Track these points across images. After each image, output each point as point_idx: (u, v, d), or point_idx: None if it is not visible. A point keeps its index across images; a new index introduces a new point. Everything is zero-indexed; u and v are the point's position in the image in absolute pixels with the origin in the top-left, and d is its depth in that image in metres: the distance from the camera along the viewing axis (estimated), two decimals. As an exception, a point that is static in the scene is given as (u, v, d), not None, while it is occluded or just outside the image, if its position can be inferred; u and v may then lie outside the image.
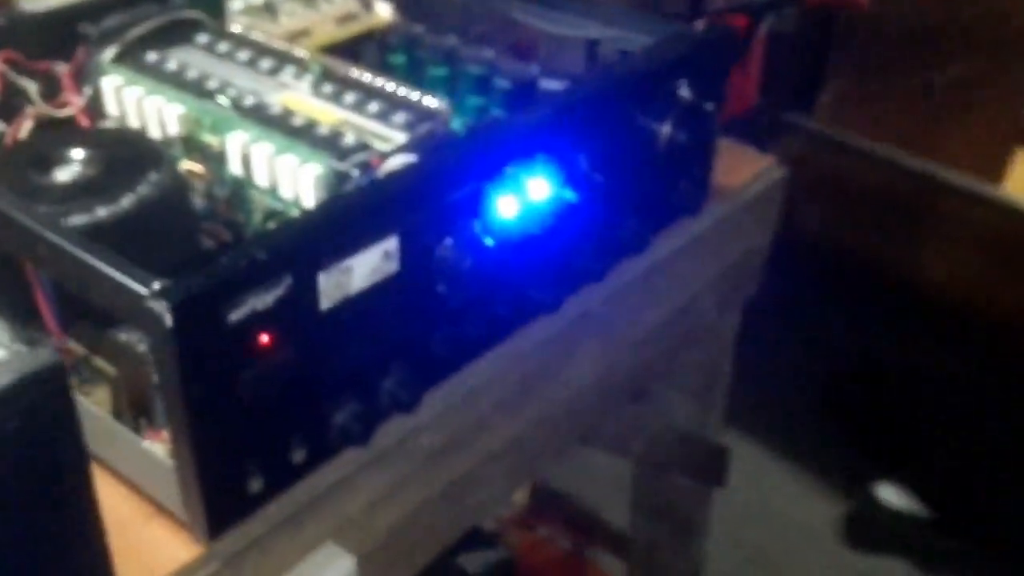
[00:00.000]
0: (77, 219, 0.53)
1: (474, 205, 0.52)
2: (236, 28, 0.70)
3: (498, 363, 0.58)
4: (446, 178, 0.50)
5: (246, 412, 0.45)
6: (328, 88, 0.63)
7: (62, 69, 0.64)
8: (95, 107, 0.64)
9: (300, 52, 0.66)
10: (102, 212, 0.53)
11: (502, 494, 0.66)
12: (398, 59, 0.73)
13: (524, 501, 1.10)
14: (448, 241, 0.51)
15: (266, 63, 0.65)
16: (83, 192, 0.54)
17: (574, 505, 1.16)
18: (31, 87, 0.63)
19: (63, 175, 0.56)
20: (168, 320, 0.41)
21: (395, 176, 0.51)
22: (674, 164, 0.66)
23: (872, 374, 1.50)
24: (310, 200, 0.55)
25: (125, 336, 0.51)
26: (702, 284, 0.75)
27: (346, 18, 0.76)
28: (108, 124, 0.64)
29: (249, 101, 0.61)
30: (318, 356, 0.47)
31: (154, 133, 0.62)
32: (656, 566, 1.06)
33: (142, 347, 0.50)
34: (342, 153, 0.56)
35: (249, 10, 0.73)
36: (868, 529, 1.39)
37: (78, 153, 0.57)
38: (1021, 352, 1.24)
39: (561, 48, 0.71)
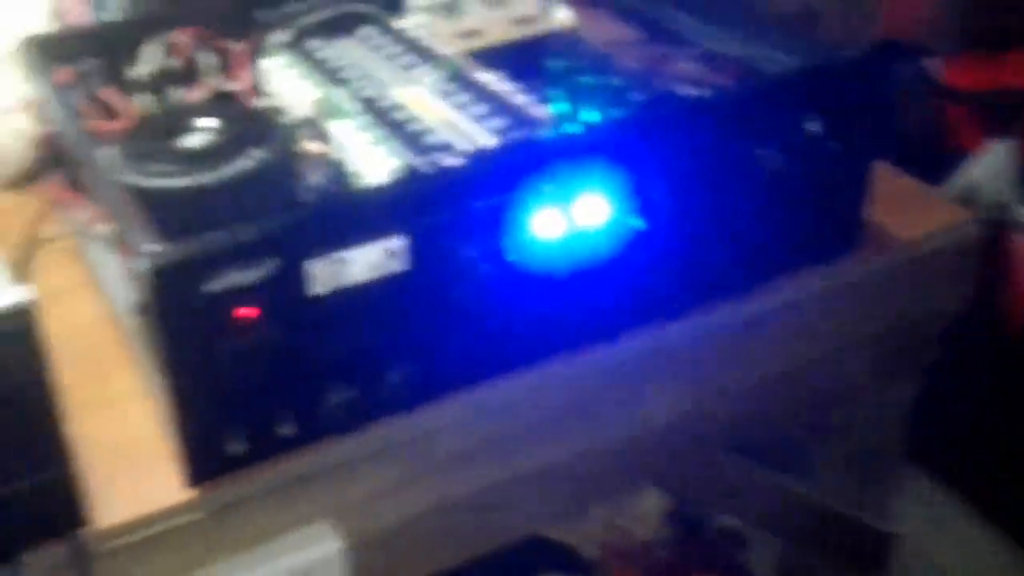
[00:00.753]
0: (181, 180, 0.59)
1: (505, 217, 0.51)
2: (405, 24, 0.73)
3: (538, 382, 0.56)
4: (468, 186, 0.50)
5: (226, 379, 0.48)
6: (449, 87, 0.64)
7: (237, 48, 0.71)
8: (258, 85, 0.70)
9: (443, 51, 0.68)
10: (203, 178, 0.59)
11: (540, 519, 0.64)
12: (557, 64, 0.73)
13: (647, 534, 1.05)
14: (469, 250, 0.51)
15: (407, 59, 0.68)
16: (195, 158, 0.60)
17: (717, 553, 1.08)
18: (210, 61, 0.71)
19: (188, 141, 0.62)
20: (148, 280, 0.44)
21: (404, 178, 0.52)
22: (799, 203, 0.60)
23: None
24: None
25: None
26: (842, 341, 0.67)
27: (523, 20, 0.77)
28: (266, 102, 0.70)
29: (368, 92, 0.64)
30: (307, 339, 0.49)
31: (296, 113, 0.67)
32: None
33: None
34: (424, 150, 0.57)
35: (430, 7, 0.76)
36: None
37: (209, 123, 0.63)
38: None
39: (711, 63, 0.67)
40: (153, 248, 0.45)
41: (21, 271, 0.65)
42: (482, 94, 0.63)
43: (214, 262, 0.45)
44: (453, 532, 0.58)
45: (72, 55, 0.68)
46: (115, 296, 0.60)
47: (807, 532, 0.84)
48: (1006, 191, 1.15)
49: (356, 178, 0.60)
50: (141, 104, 0.68)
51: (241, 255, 0.46)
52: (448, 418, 0.54)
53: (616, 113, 0.65)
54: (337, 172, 0.62)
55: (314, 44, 0.71)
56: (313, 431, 0.51)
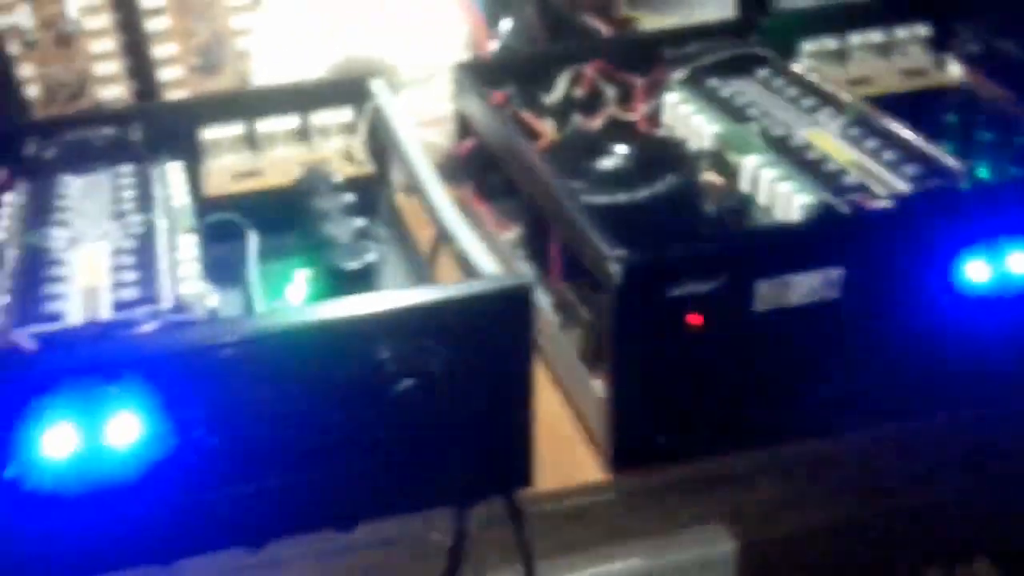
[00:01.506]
0: (600, 198, 0.64)
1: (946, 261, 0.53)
2: (799, 68, 0.77)
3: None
4: (897, 228, 0.52)
5: (666, 377, 0.52)
6: (856, 131, 0.67)
7: (638, 81, 0.77)
8: (655, 117, 0.76)
9: (845, 96, 0.71)
10: (621, 197, 0.65)
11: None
12: (951, 119, 0.74)
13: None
14: (893, 286, 0.53)
15: (808, 101, 0.71)
16: (613, 179, 0.66)
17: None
18: (610, 92, 0.77)
19: (605, 163, 0.68)
20: (617, 279, 0.50)
21: (845, 216, 0.55)
22: None
23: None
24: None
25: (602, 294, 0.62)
26: None
27: (913, 72, 0.79)
28: (660, 132, 0.75)
29: (777, 131, 0.68)
30: (742, 352, 0.52)
31: (692, 145, 0.72)
32: None
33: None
34: (839, 190, 0.60)
35: (819, 53, 0.79)
36: None
37: (623, 149, 0.69)
38: None
39: None
40: (621, 253, 0.51)
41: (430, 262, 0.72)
42: (891, 141, 0.65)
43: (677, 270, 0.50)
44: (838, 556, 0.59)
45: (496, 80, 0.76)
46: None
47: None
48: None
49: (766, 211, 0.64)
50: (551, 127, 0.75)
51: (700, 267, 0.50)
52: (856, 447, 0.56)
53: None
54: (741, 202, 0.66)
55: (712, 82, 0.75)
56: (731, 439, 0.55)
